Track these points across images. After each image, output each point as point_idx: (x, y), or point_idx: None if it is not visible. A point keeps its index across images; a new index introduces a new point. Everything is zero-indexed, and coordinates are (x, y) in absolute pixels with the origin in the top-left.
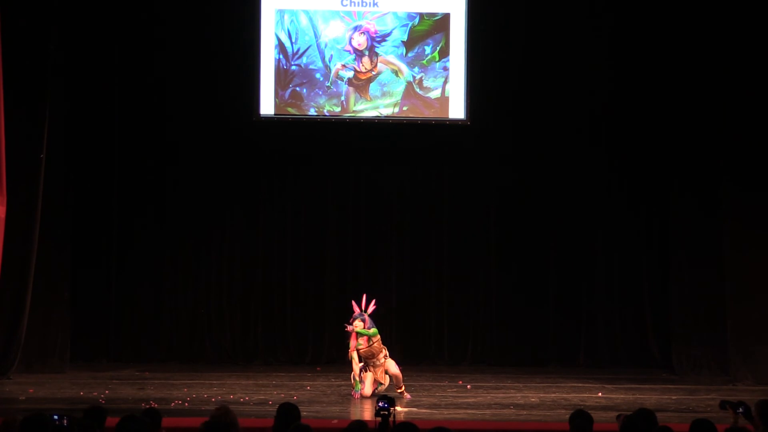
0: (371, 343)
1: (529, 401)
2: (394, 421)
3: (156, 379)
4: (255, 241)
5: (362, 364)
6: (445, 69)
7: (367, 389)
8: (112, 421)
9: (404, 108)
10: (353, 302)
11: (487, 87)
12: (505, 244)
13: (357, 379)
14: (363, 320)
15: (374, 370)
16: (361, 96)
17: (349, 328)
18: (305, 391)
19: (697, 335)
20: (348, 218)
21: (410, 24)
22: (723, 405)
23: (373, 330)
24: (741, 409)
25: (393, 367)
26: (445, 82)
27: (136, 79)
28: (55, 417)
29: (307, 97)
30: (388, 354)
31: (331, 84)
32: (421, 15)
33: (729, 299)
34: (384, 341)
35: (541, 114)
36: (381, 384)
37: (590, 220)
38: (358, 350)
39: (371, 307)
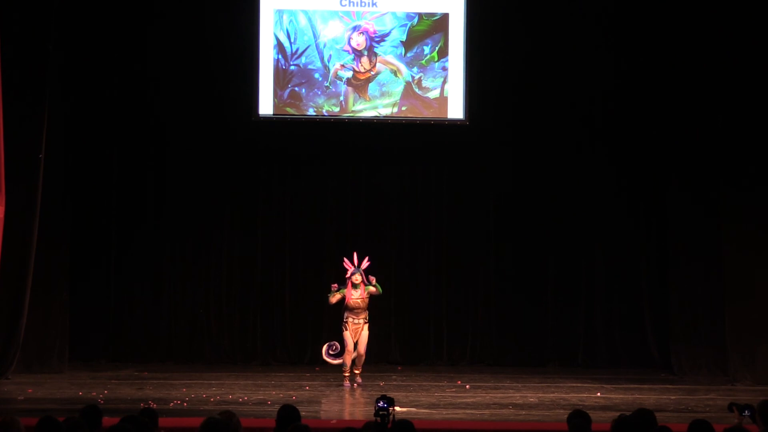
0: (365, 296)
1: (527, 401)
2: (392, 420)
3: (155, 379)
4: (254, 241)
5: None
6: (444, 69)
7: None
8: (111, 421)
9: (403, 108)
10: (345, 259)
11: (485, 87)
12: (504, 243)
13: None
14: (361, 274)
15: (352, 328)
16: (360, 96)
17: (355, 279)
18: (304, 391)
19: (695, 335)
20: (347, 218)
21: (409, 24)
22: (730, 407)
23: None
24: (747, 412)
25: (363, 344)
26: (444, 82)
27: (135, 79)
28: None
29: (306, 97)
30: (368, 322)
31: (329, 84)
32: (420, 15)
33: (728, 299)
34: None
35: (540, 114)
36: (339, 355)
37: (589, 220)
38: (348, 301)
39: (365, 263)
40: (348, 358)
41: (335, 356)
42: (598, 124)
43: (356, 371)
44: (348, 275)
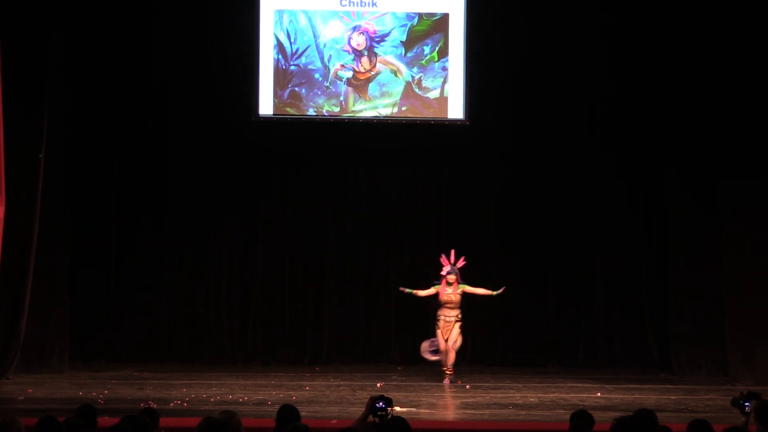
0: (458, 293)
1: (527, 401)
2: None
3: (155, 380)
4: (254, 241)
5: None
6: (444, 69)
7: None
8: (111, 421)
9: (403, 108)
10: (443, 255)
11: (486, 87)
12: (504, 244)
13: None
14: (456, 273)
15: (443, 326)
16: (360, 96)
17: (450, 278)
18: (304, 392)
19: (695, 335)
20: (347, 218)
21: (409, 24)
22: (733, 403)
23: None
24: (748, 406)
25: (453, 341)
26: (444, 82)
27: (135, 78)
28: None
29: (306, 98)
30: (460, 321)
31: (330, 84)
32: (420, 15)
33: (728, 299)
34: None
35: (540, 114)
36: (438, 351)
37: (589, 219)
38: (442, 296)
39: (460, 262)
40: (442, 356)
41: (434, 352)
42: (598, 124)
43: (444, 369)
44: (443, 272)
